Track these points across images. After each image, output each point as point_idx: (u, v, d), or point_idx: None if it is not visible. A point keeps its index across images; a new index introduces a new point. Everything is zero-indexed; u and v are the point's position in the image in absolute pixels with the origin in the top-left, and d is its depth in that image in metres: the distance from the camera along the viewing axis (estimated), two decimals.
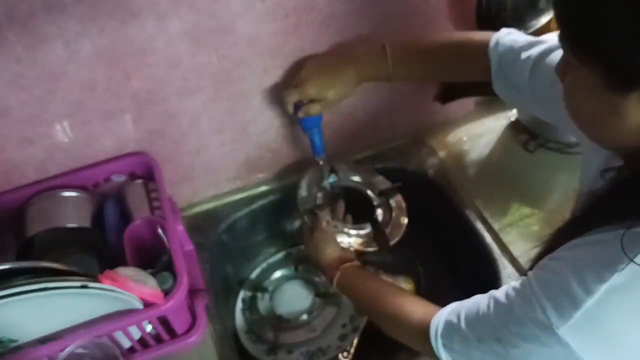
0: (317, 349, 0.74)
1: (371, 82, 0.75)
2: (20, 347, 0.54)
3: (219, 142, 0.73)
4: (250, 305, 0.81)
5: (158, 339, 0.60)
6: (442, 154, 0.84)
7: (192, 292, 0.63)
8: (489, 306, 0.41)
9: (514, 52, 0.53)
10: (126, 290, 0.52)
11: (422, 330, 0.47)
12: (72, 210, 0.63)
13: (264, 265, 0.85)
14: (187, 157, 0.72)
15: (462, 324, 0.43)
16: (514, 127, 0.86)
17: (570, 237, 0.37)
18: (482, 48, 0.55)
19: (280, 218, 0.83)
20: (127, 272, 0.54)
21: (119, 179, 0.68)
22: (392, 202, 0.73)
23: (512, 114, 0.88)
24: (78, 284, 0.50)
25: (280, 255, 0.86)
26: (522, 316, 0.37)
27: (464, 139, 0.86)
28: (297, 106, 0.66)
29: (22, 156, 0.62)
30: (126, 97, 0.61)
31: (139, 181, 0.67)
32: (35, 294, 0.49)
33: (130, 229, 0.61)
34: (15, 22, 0.50)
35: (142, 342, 0.59)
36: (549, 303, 0.36)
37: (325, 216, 0.68)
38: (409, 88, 0.80)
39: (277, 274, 0.85)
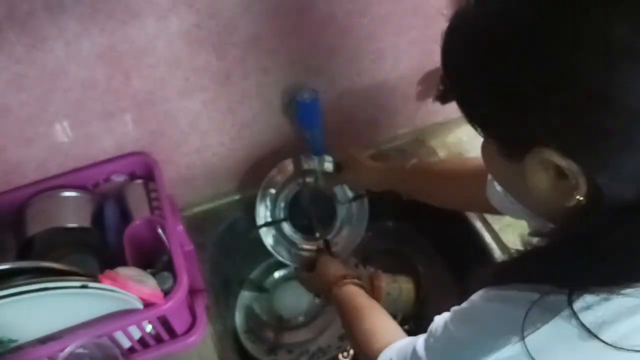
0: (317, 349, 0.74)
1: (370, 82, 0.76)
2: (20, 347, 0.54)
3: (219, 142, 0.73)
4: (250, 305, 0.81)
5: (158, 339, 0.60)
6: (442, 154, 0.84)
7: (192, 292, 0.63)
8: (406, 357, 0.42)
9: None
10: (126, 290, 0.52)
11: None
12: (72, 210, 0.63)
13: (264, 265, 0.85)
14: (187, 157, 0.72)
15: None
16: None
17: (496, 282, 0.35)
18: (481, 181, 0.54)
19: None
20: (127, 272, 0.54)
21: (119, 179, 0.68)
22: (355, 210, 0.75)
23: None
24: (78, 284, 0.50)
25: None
26: None
27: (464, 139, 0.86)
28: (298, 103, 0.66)
29: (22, 156, 0.62)
30: (126, 97, 0.61)
31: (139, 181, 0.67)
32: (35, 294, 0.49)
33: (131, 229, 0.61)
34: (16, 22, 0.50)
35: (142, 342, 0.59)
36: None
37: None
38: (408, 88, 0.80)
39: (277, 274, 0.85)
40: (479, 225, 0.74)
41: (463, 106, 0.32)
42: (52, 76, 0.56)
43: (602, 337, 0.28)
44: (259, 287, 0.83)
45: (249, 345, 0.75)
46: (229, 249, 0.78)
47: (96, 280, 0.51)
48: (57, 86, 0.57)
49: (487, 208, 0.55)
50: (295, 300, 0.81)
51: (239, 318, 0.79)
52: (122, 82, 0.59)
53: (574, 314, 0.29)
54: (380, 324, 0.54)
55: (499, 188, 0.51)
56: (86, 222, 0.63)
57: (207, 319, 0.64)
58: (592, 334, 0.28)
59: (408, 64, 0.76)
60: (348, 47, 0.69)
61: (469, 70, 0.31)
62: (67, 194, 0.64)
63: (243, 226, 0.80)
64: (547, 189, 0.30)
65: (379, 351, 0.47)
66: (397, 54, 0.74)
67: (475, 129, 0.33)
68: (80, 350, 0.53)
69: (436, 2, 0.70)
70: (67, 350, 0.52)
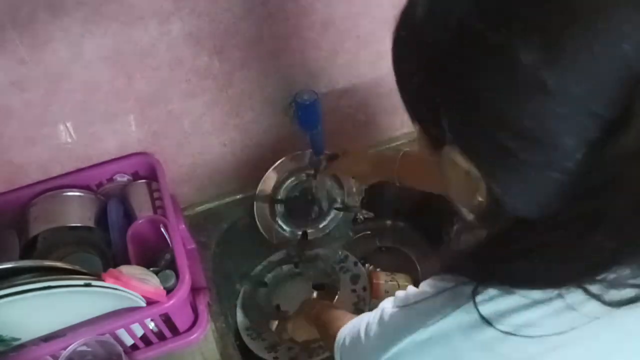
0: (317, 346, 0.74)
1: (369, 83, 0.76)
2: (23, 345, 0.54)
3: (221, 142, 0.73)
4: (252, 302, 0.82)
5: (160, 337, 0.61)
6: None
7: (194, 290, 0.63)
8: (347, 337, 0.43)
9: None
10: (129, 289, 0.52)
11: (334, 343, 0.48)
12: (75, 209, 0.63)
13: (265, 263, 0.86)
14: (189, 157, 0.73)
15: (347, 342, 0.44)
16: None
17: (439, 270, 0.37)
18: None
19: None
20: (130, 270, 0.55)
21: (122, 179, 0.68)
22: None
23: None
24: (81, 282, 0.51)
25: (280, 253, 0.87)
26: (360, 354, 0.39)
27: None
28: (298, 104, 0.67)
29: (25, 156, 0.62)
30: (129, 98, 0.62)
31: (142, 181, 0.68)
32: (39, 292, 0.49)
33: (134, 228, 0.62)
34: (19, 24, 0.51)
35: (145, 340, 0.60)
36: (373, 342, 0.37)
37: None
38: None
39: (278, 272, 0.86)
40: None
41: (399, 89, 0.34)
42: (55, 77, 0.56)
43: (499, 327, 0.30)
44: (260, 285, 0.84)
45: (250, 342, 0.76)
46: (230, 248, 0.79)
47: (99, 278, 0.51)
48: (61, 87, 0.57)
49: None
50: (295, 297, 0.82)
51: (240, 315, 0.80)
52: (125, 84, 0.60)
53: (474, 301, 0.31)
54: (337, 313, 0.56)
55: None
56: (90, 222, 0.64)
57: (209, 316, 0.64)
58: (486, 320, 0.30)
59: None
60: (347, 49, 0.70)
61: (399, 65, 0.32)
62: (70, 193, 0.64)
63: (244, 225, 0.80)
64: (458, 185, 0.32)
65: (336, 333, 0.48)
66: None
67: (407, 111, 0.34)
68: (84, 348, 0.54)
69: None
70: (70, 348, 0.53)
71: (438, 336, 0.32)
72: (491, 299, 0.31)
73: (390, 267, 0.82)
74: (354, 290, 0.78)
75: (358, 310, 0.76)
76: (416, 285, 0.85)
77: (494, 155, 0.28)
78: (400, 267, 0.84)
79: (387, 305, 0.40)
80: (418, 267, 0.84)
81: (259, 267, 0.85)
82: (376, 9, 0.67)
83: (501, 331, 0.30)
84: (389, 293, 0.76)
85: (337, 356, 0.47)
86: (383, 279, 0.76)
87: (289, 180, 0.79)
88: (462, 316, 0.32)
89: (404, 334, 0.34)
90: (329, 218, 0.80)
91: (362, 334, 0.41)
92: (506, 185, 0.29)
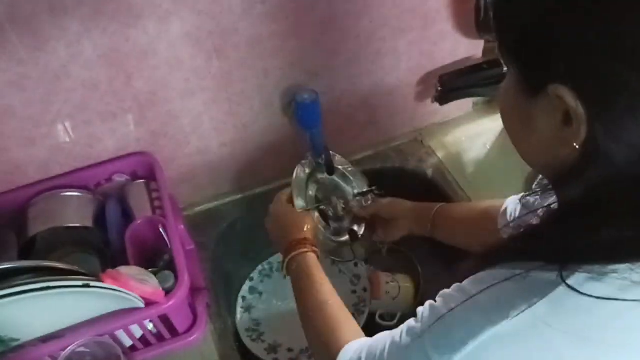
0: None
1: (370, 83, 0.76)
2: (22, 346, 0.54)
3: (220, 142, 0.73)
4: (251, 303, 0.82)
5: (159, 338, 0.61)
6: (440, 154, 0.84)
7: (193, 291, 0.63)
8: (384, 349, 0.39)
9: None
10: (128, 290, 0.52)
11: None
12: (74, 210, 0.63)
13: (265, 263, 0.85)
14: (188, 158, 0.73)
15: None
16: None
17: (484, 266, 0.35)
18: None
19: None
20: (128, 271, 0.55)
21: (120, 179, 0.68)
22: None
23: None
24: (80, 283, 0.50)
25: (280, 253, 0.87)
26: (413, 357, 0.36)
27: (463, 139, 0.86)
28: (298, 104, 0.67)
29: (24, 156, 0.62)
30: (128, 98, 0.62)
31: (141, 181, 0.68)
32: (37, 293, 0.49)
33: (132, 229, 0.62)
34: (18, 24, 0.51)
35: (144, 341, 0.60)
36: (432, 343, 0.35)
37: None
38: (407, 89, 0.80)
39: (278, 272, 0.86)
40: None
41: (499, 30, 0.32)
42: (54, 77, 0.56)
43: (600, 313, 0.28)
44: (260, 286, 0.83)
45: (249, 343, 0.76)
46: (229, 248, 0.79)
47: (98, 279, 0.51)
48: (60, 87, 0.57)
49: None
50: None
51: (239, 316, 0.80)
52: (124, 83, 0.60)
53: (567, 285, 0.29)
54: (339, 321, 0.51)
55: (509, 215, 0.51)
56: (88, 222, 0.63)
57: (208, 317, 0.64)
58: (599, 298, 0.28)
59: (407, 65, 0.76)
60: (347, 48, 0.70)
61: (512, 1, 0.31)
62: (69, 193, 0.64)
63: (244, 225, 0.80)
64: (549, 132, 0.31)
65: (339, 347, 0.45)
66: (396, 55, 0.74)
67: (503, 57, 0.33)
68: (82, 349, 0.54)
69: (435, 4, 0.70)
70: (69, 349, 0.52)
71: (527, 327, 0.30)
72: (579, 286, 0.29)
73: (391, 267, 0.82)
74: (354, 291, 0.78)
75: (358, 312, 0.76)
76: (416, 285, 0.85)
77: (609, 89, 0.27)
78: (400, 267, 0.83)
79: (429, 306, 0.37)
80: (419, 267, 0.83)
81: (259, 268, 0.85)
82: (376, 8, 0.67)
83: (625, 300, 0.28)
84: (390, 294, 0.75)
85: None
86: (384, 279, 0.76)
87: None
88: (552, 304, 0.30)
89: (479, 328, 0.31)
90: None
91: (398, 341, 0.37)
92: (613, 125, 0.27)
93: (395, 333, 0.39)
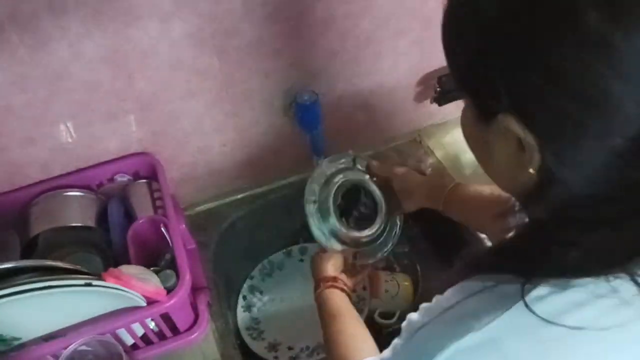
0: (317, 345, 0.75)
1: (369, 84, 0.77)
2: (24, 345, 0.54)
3: (221, 142, 0.73)
4: (252, 302, 0.82)
5: (161, 336, 0.61)
6: (439, 154, 0.85)
7: (195, 290, 0.64)
8: None
9: None
10: (130, 288, 0.52)
11: None
12: (76, 210, 0.64)
13: (265, 262, 0.86)
14: (189, 158, 0.73)
15: None
16: None
17: (462, 277, 0.35)
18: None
19: (281, 217, 0.83)
20: (130, 270, 0.55)
21: (122, 179, 0.68)
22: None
23: None
24: (82, 282, 0.51)
25: (281, 253, 0.87)
26: None
27: (461, 139, 0.85)
28: (298, 105, 0.67)
29: (26, 156, 0.62)
30: (129, 98, 0.62)
31: (143, 181, 0.68)
32: (39, 292, 0.49)
33: (134, 228, 0.62)
34: (19, 24, 0.51)
35: (145, 339, 0.60)
36: (407, 357, 0.35)
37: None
38: (407, 90, 0.81)
39: (278, 271, 0.86)
40: None
41: (448, 62, 0.33)
42: (55, 77, 0.56)
43: (562, 323, 0.29)
44: (260, 285, 0.84)
45: (250, 342, 0.76)
46: (231, 248, 0.79)
47: (100, 278, 0.52)
48: (61, 87, 0.57)
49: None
50: (296, 297, 0.82)
51: (240, 315, 0.80)
52: (126, 84, 0.60)
53: (524, 303, 0.29)
54: (357, 336, 0.54)
55: None
56: (90, 222, 0.64)
57: (209, 316, 0.64)
58: (545, 320, 0.29)
59: (406, 65, 0.77)
60: (347, 50, 0.70)
61: (454, 31, 0.32)
62: (71, 193, 0.64)
63: (245, 225, 0.80)
64: (506, 158, 0.31)
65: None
66: (395, 56, 0.74)
67: (455, 85, 0.34)
68: (84, 348, 0.54)
69: (434, 4, 0.71)
70: (71, 347, 0.53)
71: (490, 339, 0.31)
72: (541, 298, 0.30)
73: (390, 266, 0.82)
74: (353, 291, 0.79)
75: (358, 310, 0.76)
76: (415, 284, 0.85)
77: (554, 120, 0.27)
78: (400, 266, 0.84)
79: (407, 321, 0.37)
80: (418, 266, 0.84)
81: (260, 268, 0.86)
82: (376, 8, 0.67)
83: (567, 327, 0.28)
84: (389, 292, 0.76)
85: None
86: (383, 278, 0.76)
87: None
88: (513, 318, 0.30)
89: (446, 342, 0.32)
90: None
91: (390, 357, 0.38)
92: (563, 153, 0.28)
93: (386, 351, 0.40)
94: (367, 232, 0.67)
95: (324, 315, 0.58)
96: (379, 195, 0.68)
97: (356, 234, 0.66)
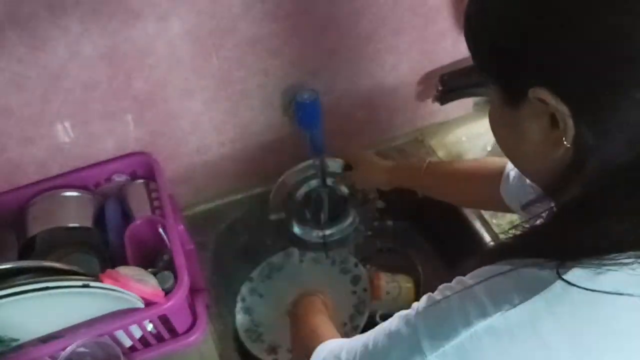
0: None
1: (370, 82, 0.76)
2: (22, 346, 0.54)
3: (220, 142, 0.73)
4: (251, 304, 0.82)
5: (159, 338, 0.60)
6: (441, 153, 0.84)
7: (193, 291, 0.63)
8: (368, 341, 0.38)
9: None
10: (127, 290, 0.52)
11: None
12: (73, 210, 0.63)
13: (264, 264, 0.85)
14: (188, 157, 0.73)
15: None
16: None
17: (486, 262, 0.34)
18: (496, 180, 0.55)
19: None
20: (128, 271, 0.55)
21: (120, 178, 0.68)
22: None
23: None
24: (79, 283, 0.50)
25: (280, 254, 0.87)
26: (402, 344, 0.34)
27: (463, 138, 0.86)
28: (298, 104, 0.67)
29: (23, 156, 0.62)
30: (127, 97, 0.62)
31: (140, 181, 0.67)
32: (37, 293, 0.49)
33: (132, 229, 0.62)
34: (17, 23, 0.50)
35: (143, 341, 0.60)
36: (424, 329, 0.34)
37: None
38: (408, 89, 0.80)
39: (277, 273, 0.86)
40: (478, 225, 0.75)
41: (472, 48, 0.33)
42: (53, 77, 0.56)
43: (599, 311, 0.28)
44: (259, 286, 0.83)
45: (249, 344, 0.76)
46: (229, 248, 0.79)
47: (97, 279, 0.51)
48: (59, 86, 0.57)
49: (501, 207, 0.55)
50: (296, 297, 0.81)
51: (239, 317, 0.79)
52: (124, 83, 0.60)
53: (564, 280, 0.29)
54: (321, 325, 0.52)
55: (511, 179, 0.52)
56: (87, 222, 0.63)
57: (207, 318, 0.64)
58: (590, 291, 0.28)
59: (407, 64, 0.76)
60: (348, 48, 0.70)
61: (479, 8, 0.32)
62: (68, 194, 0.64)
63: (243, 225, 0.80)
64: (539, 137, 0.31)
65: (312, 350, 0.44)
66: (396, 55, 0.74)
67: (482, 74, 0.33)
68: (82, 349, 0.53)
69: (435, 3, 0.70)
70: (69, 349, 0.52)
71: (522, 323, 0.30)
72: (576, 280, 0.29)
73: (391, 268, 0.81)
74: (354, 292, 0.78)
75: (358, 312, 0.75)
76: (417, 285, 0.85)
77: (586, 84, 0.27)
78: (401, 268, 0.83)
79: (427, 296, 0.36)
80: (419, 268, 0.83)
81: (258, 269, 0.85)
82: (376, 8, 0.67)
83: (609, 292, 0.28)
84: (390, 294, 0.75)
85: None
86: (384, 280, 0.76)
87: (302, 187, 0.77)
88: (549, 300, 0.29)
89: (473, 319, 0.31)
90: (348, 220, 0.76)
91: (389, 329, 0.36)
92: (598, 119, 0.28)
93: (383, 324, 0.38)
94: (335, 229, 0.74)
95: (293, 328, 0.58)
96: (344, 193, 0.75)
97: (326, 231, 0.73)
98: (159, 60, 0.59)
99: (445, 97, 0.79)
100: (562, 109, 0.28)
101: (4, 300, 0.48)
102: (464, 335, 0.31)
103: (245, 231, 0.80)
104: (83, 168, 0.66)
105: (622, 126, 0.27)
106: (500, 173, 0.54)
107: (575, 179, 0.31)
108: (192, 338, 0.61)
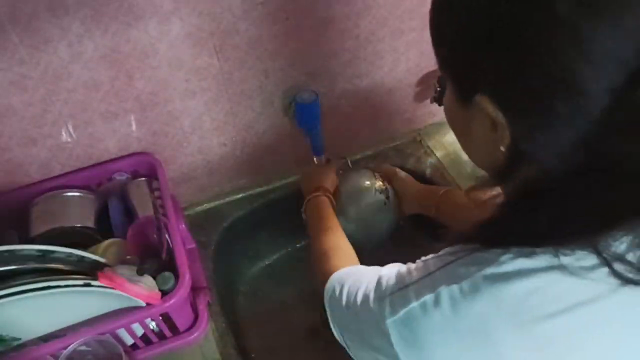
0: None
1: (369, 83, 0.77)
2: (23, 345, 0.54)
3: (221, 142, 0.73)
4: (252, 302, 0.82)
5: (160, 336, 0.61)
6: (439, 153, 0.85)
7: (195, 290, 0.63)
8: (357, 294, 0.42)
9: None
10: (123, 291, 0.52)
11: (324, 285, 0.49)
12: (75, 210, 0.63)
13: (266, 262, 0.86)
14: (189, 157, 0.73)
15: (343, 298, 0.44)
16: None
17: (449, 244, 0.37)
18: None
19: (281, 217, 0.83)
20: (125, 271, 0.54)
21: (121, 177, 0.68)
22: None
23: None
24: (81, 282, 0.51)
25: (281, 253, 0.87)
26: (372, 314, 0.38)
27: None
28: (298, 104, 0.67)
29: (26, 156, 0.62)
30: (129, 98, 0.62)
31: (142, 179, 0.68)
32: (39, 292, 0.49)
33: (134, 228, 0.62)
34: (19, 24, 0.51)
35: (145, 339, 0.60)
36: (391, 296, 0.37)
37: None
38: (407, 89, 0.81)
39: (280, 271, 0.86)
40: None
41: (434, 44, 0.35)
42: (55, 77, 0.56)
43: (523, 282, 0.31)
44: (260, 285, 0.84)
45: (250, 342, 0.76)
46: (231, 247, 0.79)
47: (96, 279, 0.51)
48: (61, 87, 0.57)
49: None
50: (296, 297, 0.82)
51: (240, 315, 0.80)
52: (125, 83, 0.60)
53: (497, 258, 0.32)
54: (340, 246, 0.57)
55: None
56: (89, 222, 0.64)
57: (209, 316, 0.64)
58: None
59: (406, 65, 0.77)
60: (347, 49, 0.70)
61: (441, 13, 0.33)
62: (70, 194, 0.64)
63: (244, 225, 0.80)
64: (482, 137, 0.34)
65: (330, 272, 0.49)
66: (395, 56, 0.74)
67: (439, 68, 0.36)
68: (83, 348, 0.54)
69: None
70: (71, 348, 0.53)
71: (463, 295, 0.32)
72: (510, 260, 0.32)
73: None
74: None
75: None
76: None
77: (523, 100, 0.29)
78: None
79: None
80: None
81: (260, 267, 0.85)
82: (376, 9, 0.67)
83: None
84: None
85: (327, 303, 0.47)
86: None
87: None
88: (483, 281, 0.32)
89: (426, 290, 0.34)
90: None
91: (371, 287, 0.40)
92: (532, 132, 0.30)
93: (371, 281, 0.41)
94: None
95: (310, 228, 0.62)
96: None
97: None
98: (160, 61, 0.60)
99: (443, 97, 0.80)
100: (500, 119, 0.31)
101: (5, 299, 0.49)
102: (415, 304, 0.34)
103: (247, 230, 0.81)
104: (85, 168, 0.67)
105: (551, 142, 0.29)
106: None
107: (510, 178, 0.34)
108: (194, 336, 0.61)
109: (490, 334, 0.32)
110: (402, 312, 0.35)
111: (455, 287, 0.33)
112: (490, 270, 0.32)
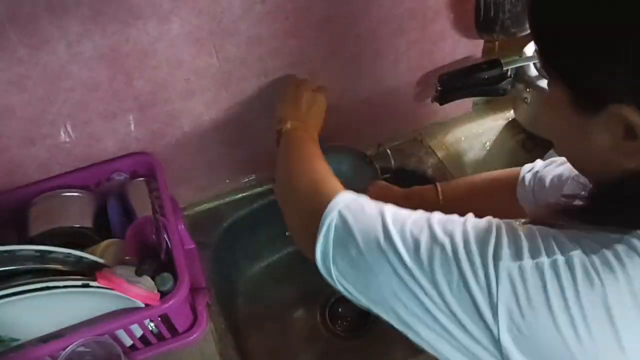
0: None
1: (369, 83, 0.76)
2: (22, 346, 0.54)
3: (220, 142, 0.73)
4: (251, 302, 0.82)
5: (160, 337, 0.61)
6: (440, 153, 0.84)
7: (194, 291, 0.63)
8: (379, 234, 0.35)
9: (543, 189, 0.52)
10: (121, 292, 0.52)
11: (315, 215, 0.39)
12: (74, 210, 0.63)
13: (265, 263, 0.86)
14: (188, 157, 0.73)
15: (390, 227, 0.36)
16: (512, 126, 0.87)
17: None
18: (512, 190, 0.56)
19: (281, 217, 0.83)
20: (123, 271, 0.54)
21: (120, 177, 0.68)
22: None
23: (510, 114, 0.88)
24: (80, 283, 0.51)
25: (281, 253, 0.87)
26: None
27: (462, 138, 0.87)
28: None
29: (24, 156, 0.62)
30: (128, 98, 0.62)
31: (141, 180, 0.67)
32: (37, 293, 0.49)
33: (133, 228, 0.62)
34: (18, 23, 0.51)
35: (144, 340, 0.60)
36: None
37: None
38: (407, 89, 0.81)
39: (278, 272, 0.86)
40: None
41: (547, 53, 0.32)
42: (54, 77, 0.56)
43: None
44: (260, 285, 0.83)
45: (249, 343, 0.76)
46: (230, 248, 0.79)
47: (95, 279, 0.51)
48: (60, 87, 0.57)
49: (516, 215, 0.55)
50: (296, 297, 0.81)
51: (239, 316, 0.80)
52: (124, 83, 0.60)
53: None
54: (328, 174, 0.46)
55: (527, 182, 0.53)
56: (88, 222, 0.64)
57: (208, 316, 0.64)
58: None
59: (407, 64, 0.76)
60: (347, 48, 0.70)
61: (563, 19, 0.30)
62: (69, 194, 0.64)
63: (244, 225, 0.80)
64: (607, 145, 0.31)
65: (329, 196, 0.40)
66: (395, 55, 0.74)
67: (550, 75, 0.33)
68: (82, 349, 0.53)
69: (434, 3, 0.71)
70: (69, 348, 0.52)
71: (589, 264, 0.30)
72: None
73: None
74: None
75: None
76: None
77: None
78: None
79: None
80: None
81: (259, 268, 0.85)
82: (376, 8, 0.67)
83: None
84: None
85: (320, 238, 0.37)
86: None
87: None
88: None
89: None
90: None
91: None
92: None
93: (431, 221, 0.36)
94: None
95: (298, 155, 0.51)
96: None
97: None
98: (159, 60, 0.60)
99: (444, 97, 0.79)
100: None
101: (4, 300, 0.48)
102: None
103: (246, 230, 0.81)
104: (84, 168, 0.66)
105: None
106: (514, 183, 0.55)
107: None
108: (193, 337, 0.61)
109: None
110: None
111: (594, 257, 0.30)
112: (620, 247, 0.30)
